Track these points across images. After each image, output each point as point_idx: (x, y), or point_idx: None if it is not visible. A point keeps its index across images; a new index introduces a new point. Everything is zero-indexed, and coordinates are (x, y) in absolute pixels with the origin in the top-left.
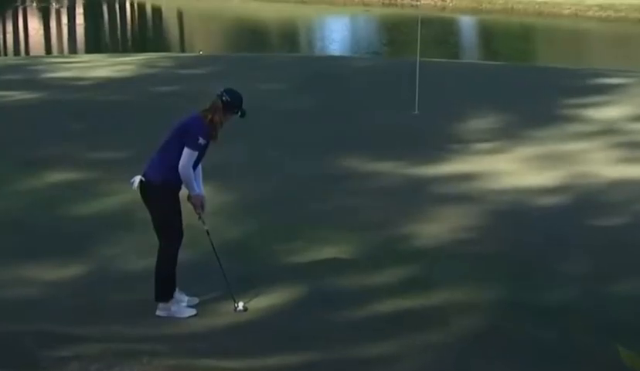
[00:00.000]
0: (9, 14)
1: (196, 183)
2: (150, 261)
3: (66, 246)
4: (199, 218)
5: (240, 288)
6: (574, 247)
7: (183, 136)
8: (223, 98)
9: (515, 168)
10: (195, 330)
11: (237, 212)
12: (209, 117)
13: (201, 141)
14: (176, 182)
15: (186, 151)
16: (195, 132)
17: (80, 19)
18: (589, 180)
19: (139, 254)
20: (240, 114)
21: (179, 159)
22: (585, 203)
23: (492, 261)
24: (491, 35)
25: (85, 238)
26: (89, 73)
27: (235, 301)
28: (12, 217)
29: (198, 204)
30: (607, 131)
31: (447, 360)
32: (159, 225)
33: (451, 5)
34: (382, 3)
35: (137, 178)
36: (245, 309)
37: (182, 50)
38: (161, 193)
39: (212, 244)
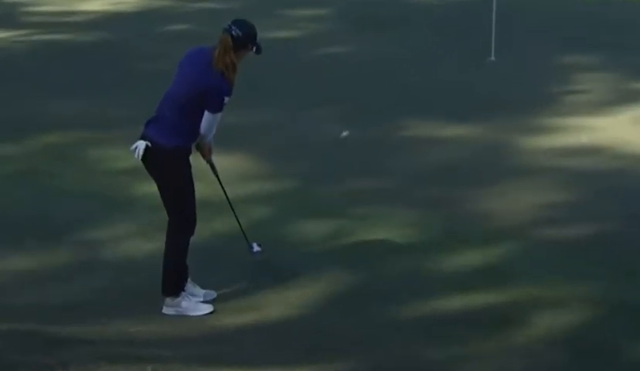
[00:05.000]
0: None
1: None
2: (155, 246)
3: (50, 228)
4: (208, 162)
5: (271, 280)
6: None
7: (203, 98)
8: (233, 33)
9: (623, 132)
10: (211, 330)
11: (269, 187)
12: (220, 63)
13: (226, 100)
14: (190, 144)
15: (211, 116)
16: (218, 94)
17: None
18: None
19: (141, 237)
20: (255, 49)
21: (198, 122)
22: None
23: (588, 248)
24: None
25: (74, 217)
26: (78, 7)
27: (248, 241)
28: None
29: (207, 149)
30: None
31: (528, 368)
32: (172, 198)
33: None
34: None
35: (142, 144)
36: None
37: None
38: (175, 159)
39: (216, 175)
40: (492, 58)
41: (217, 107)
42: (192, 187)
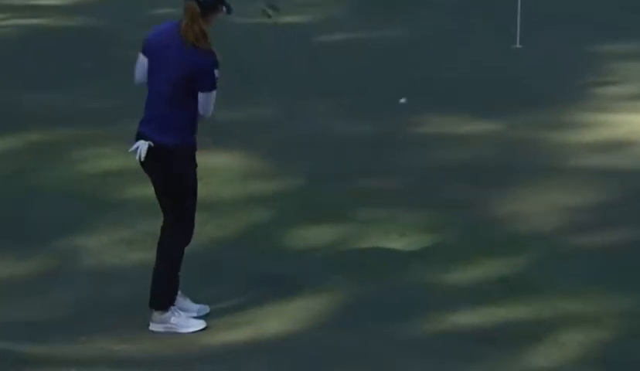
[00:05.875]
0: None
1: None
2: (144, 254)
3: (28, 233)
4: None
5: (269, 291)
6: None
7: (192, 80)
8: None
9: None
10: (204, 349)
11: (268, 188)
12: (190, 35)
13: (217, 73)
14: (192, 140)
15: (206, 96)
16: (207, 71)
17: None
18: None
19: (129, 244)
20: (226, 10)
21: (193, 109)
22: None
23: (624, 256)
24: None
25: (55, 221)
26: None
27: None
28: None
29: None
30: None
31: None
32: (172, 199)
33: None
34: None
35: (144, 144)
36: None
37: None
38: (180, 159)
39: None
40: (517, 45)
41: (211, 85)
42: (195, 189)
